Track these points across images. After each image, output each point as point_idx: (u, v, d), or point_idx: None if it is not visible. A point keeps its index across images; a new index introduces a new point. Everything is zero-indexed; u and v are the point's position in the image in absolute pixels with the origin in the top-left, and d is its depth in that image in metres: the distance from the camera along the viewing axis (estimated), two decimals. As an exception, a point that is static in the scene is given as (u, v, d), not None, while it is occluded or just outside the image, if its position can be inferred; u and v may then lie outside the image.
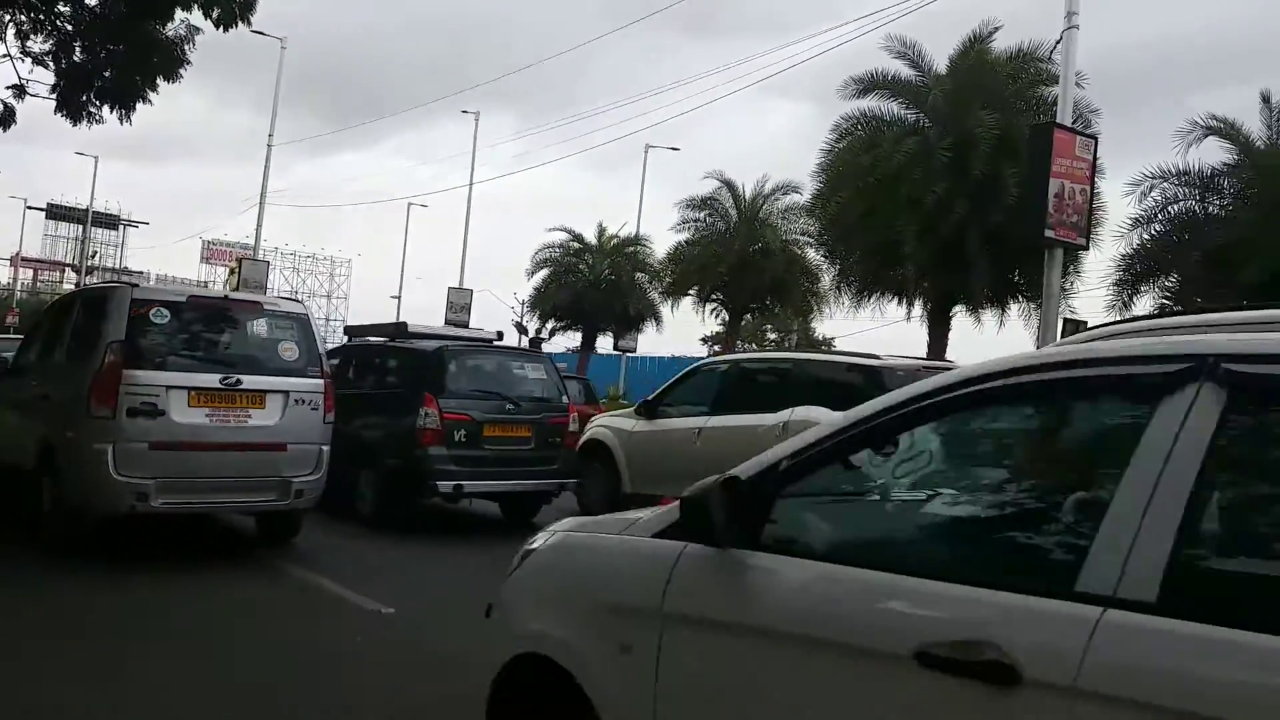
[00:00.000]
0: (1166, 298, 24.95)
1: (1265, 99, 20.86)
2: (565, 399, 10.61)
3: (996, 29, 21.16)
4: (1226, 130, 20.77)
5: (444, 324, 27.27)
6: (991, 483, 2.55)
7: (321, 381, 7.89)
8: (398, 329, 11.48)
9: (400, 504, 9.77)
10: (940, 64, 21.81)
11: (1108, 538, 1.93)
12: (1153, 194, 21.02)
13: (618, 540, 2.92)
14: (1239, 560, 1.98)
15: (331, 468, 8.08)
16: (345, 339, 13.77)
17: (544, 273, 37.08)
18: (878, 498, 2.70)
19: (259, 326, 7.97)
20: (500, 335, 12.01)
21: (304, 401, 7.71)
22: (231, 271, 41.42)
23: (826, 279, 26.60)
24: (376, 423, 9.94)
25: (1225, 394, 1.90)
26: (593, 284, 36.16)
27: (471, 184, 38.34)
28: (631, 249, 36.30)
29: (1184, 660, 1.76)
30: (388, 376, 10.63)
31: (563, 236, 37.10)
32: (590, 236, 37.47)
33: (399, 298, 54.69)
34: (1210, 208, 21.13)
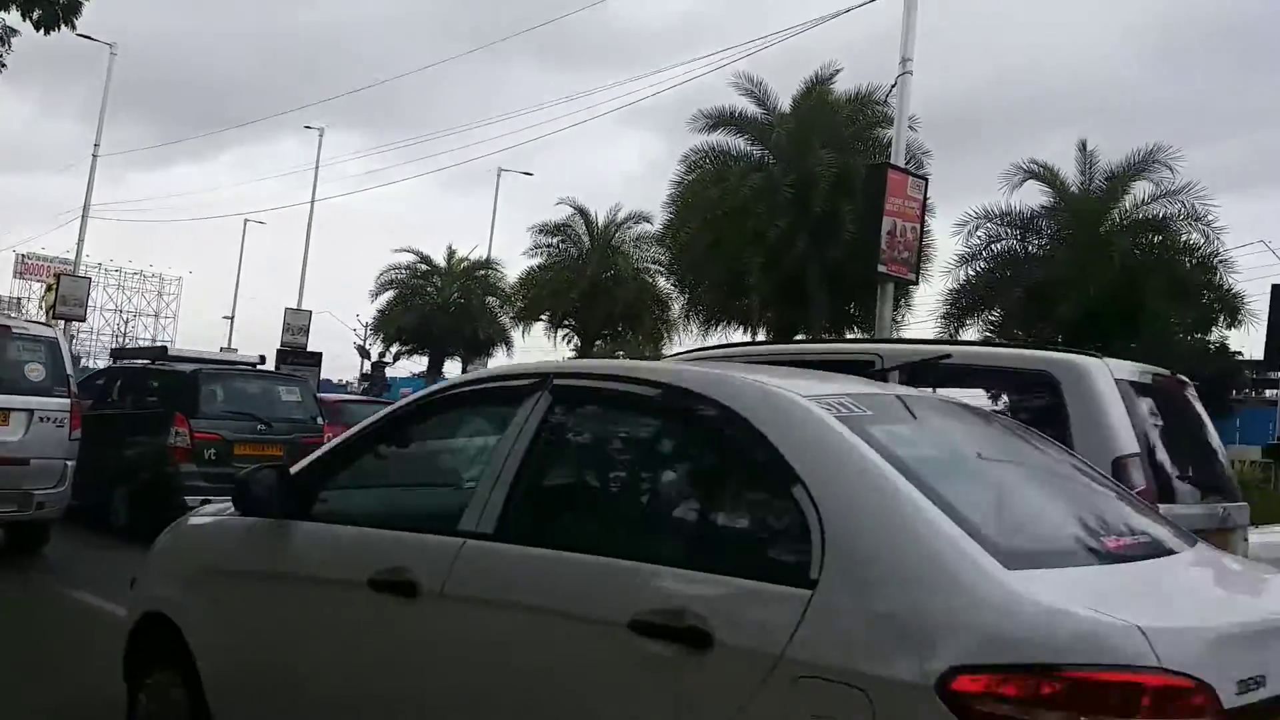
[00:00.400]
0: (990, 330, 26.58)
1: (1081, 147, 22.59)
2: (320, 421, 11.40)
3: (837, 71, 22.14)
4: (1045, 175, 22.36)
5: (280, 345, 26.39)
6: (454, 462, 3.66)
7: (67, 401, 8.28)
8: (158, 352, 12.40)
9: (152, 517, 9.91)
10: (785, 103, 22.65)
11: (477, 493, 2.86)
12: (978, 233, 22.42)
13: (214, 519, 3.73)
14: (549, 504, 2.94)
15: (89, 482, 8.67)
16: (112, 361, 14.71)
17: (389, 295, 36.32)
18: (389, 477, 3.69)
19: (8, 349, 8.28)
20: (262, 359, 13.01)
21: (49, 419, 8.10)
22: (49, 288, 38.64)
23: (676, 307, 27.11)
24: (133, 440, 10.48)
25: (551, 398, 2.90)
26: (441, 307, 35.64)
27: (313, 201, 37.05)
28: (482, 272, 35.99)
29: (509, 569, 2.67)
30: (147, 397, 11.15)
31: (410, 258, 36.47)
32: (439, 259, 36.96)
33: (232, 318, 52.35)
34: (1030, 247, 22.66)
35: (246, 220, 49.08)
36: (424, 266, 36.65)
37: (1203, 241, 21.12)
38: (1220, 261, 21.41)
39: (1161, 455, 4.39)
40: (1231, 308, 22.30)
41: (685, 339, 27.42)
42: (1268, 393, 38.79)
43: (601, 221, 30.90)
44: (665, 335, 30.54)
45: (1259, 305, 20.88)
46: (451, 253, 37.14)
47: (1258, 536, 5.65)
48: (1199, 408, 5.00)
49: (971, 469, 2.76)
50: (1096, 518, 2.66)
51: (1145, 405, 4.38)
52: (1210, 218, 20.71)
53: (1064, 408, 4.14)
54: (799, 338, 23.28)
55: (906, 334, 22.65)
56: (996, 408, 4.08)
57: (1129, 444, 4.00)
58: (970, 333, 25.35)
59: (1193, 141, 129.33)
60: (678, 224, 23.63)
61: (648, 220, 28.91)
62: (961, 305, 22.91)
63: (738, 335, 24.56)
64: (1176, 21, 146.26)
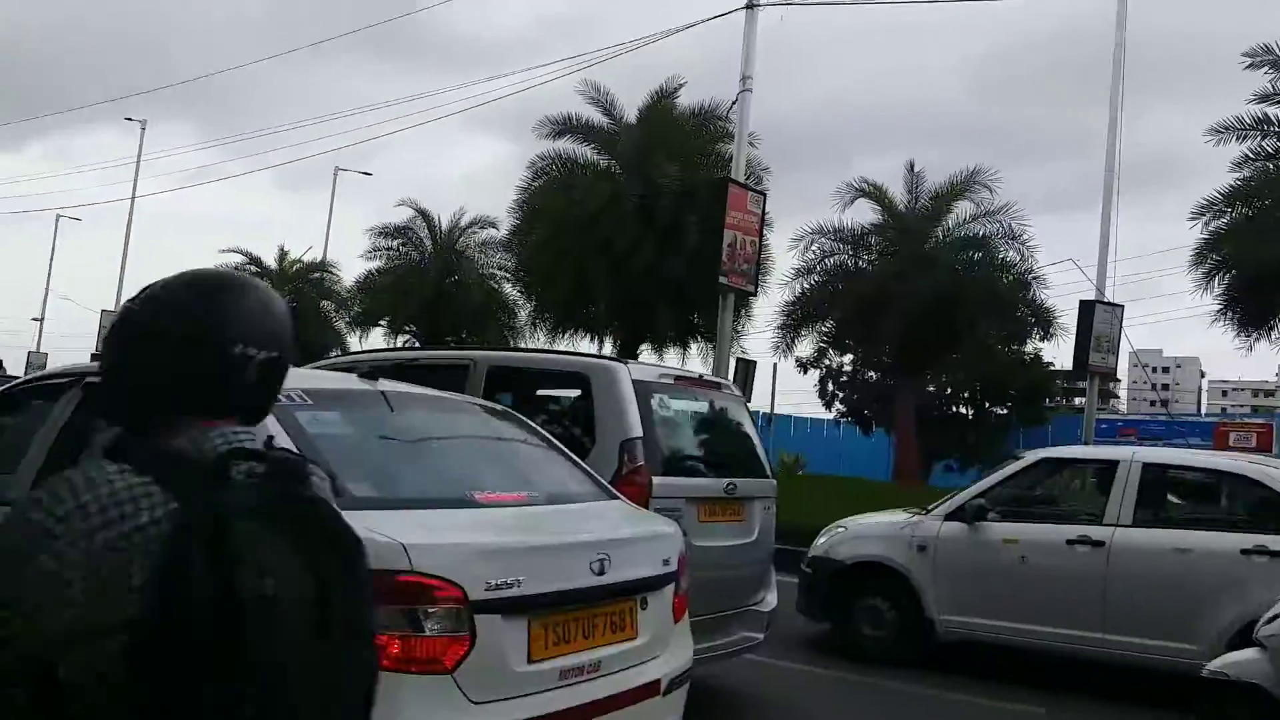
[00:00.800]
0: (825, 340, 27.60)
1: (909, 167, 23.78)
2: None
3: (681, 85, 22.52)
4: (874, 193, 23.42)
5: (94, 350, 24.87)
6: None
7: None
8: None
9: None
10: (631, 114, 22.88)
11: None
12: (813, 248, 23.28)
13: None
14: None
15: None
16: None
17: (216, 298, 34.53)
18: None
19: None
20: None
21: None
22: None
23: (523, 314, 26.86)
24: None
25: (80, 394, 3.48)
26: (273, 312, 34.19)
27: (134, 197, 34.95)
28: (317, 275, 34.76)
29: None
30: None
31: (238, 259, 34.85)
32: (270, 260, 35.51)
33: (41, 320, 48.71)
34: (861, 262, 23.68)
35: (59, 216, 45.77)
36: (252, 268, 35.12)
37: (1019, 259, 22.57)
38: (1034, 278, 22.95)
39: (671, 439, 5.60)
40: (1045, 322, 23.94)
41: (531, 346, 27.26)
42: (1076, 401, 41.67)
43: (445, 225, 30.34)
44: (511, 342, 30.27)
45: (1070, 319, 22.48)
46: (283, 254, 35.76)
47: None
48: (733, 403, 6.27)
49: (383, 446, 3.48)
50: (489, 478, 3.54)
51: (659, 400, 5.45)
52: (1025, 237, 22.19)
53: (592, 401, 5.24)
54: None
55: (746, 343, 23.30)
56: (476, 400, 4.82)
57: (635, 429, 5.07)
58: (805, 343, 26.29)
59: (1021, 164, 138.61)
60: (524, 230, 23.50)
61: (493, 225, 28.59)
62: (797, 316, 23.72)
63: (585, 344, 24.64)
64: (1011, 50, 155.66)
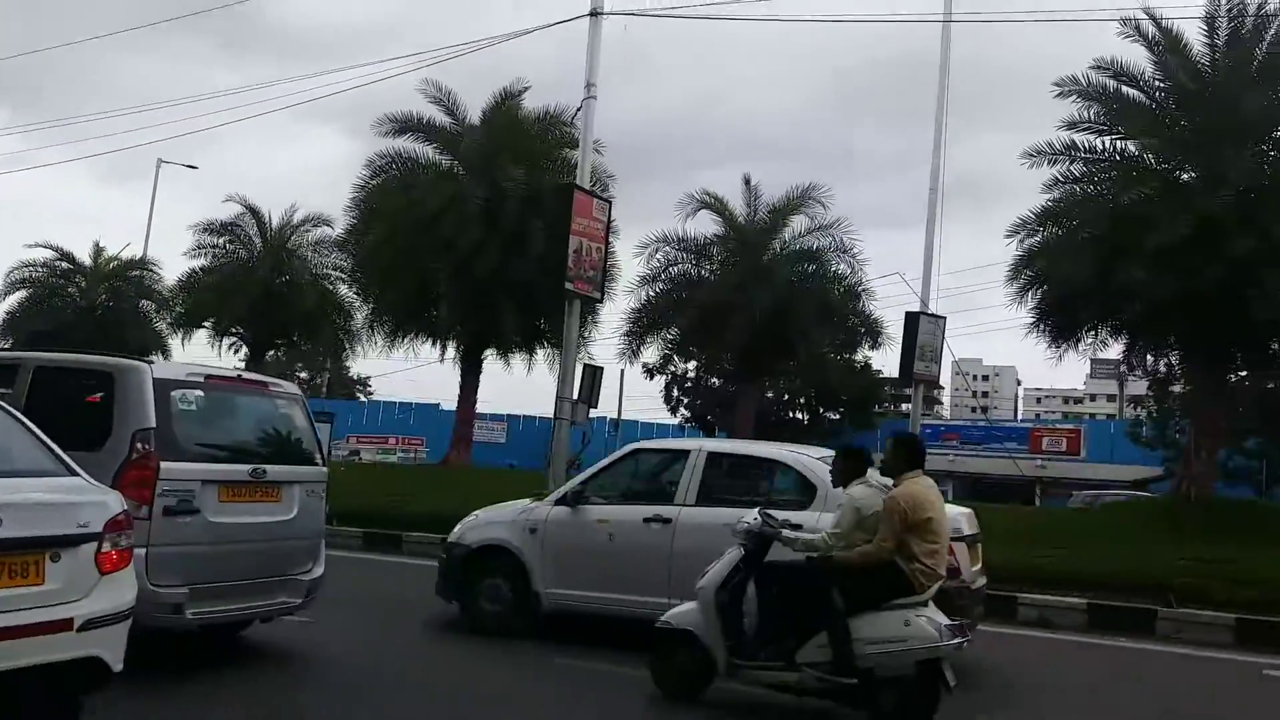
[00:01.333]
0: (670, 347, 27.92)
1: (746, 181, 24.36)
2: None
3: (526, 89, 22.33)
4: (716, 205, 23.88)
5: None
6: None
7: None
8: None
9: None
10: (475, 115, 22.55)
11: None
12: (657, 256, 23.53)
13: None
14: None
15: None
16: None
17: (21, 295, 32.03)
18: None
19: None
20: None
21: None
22: None
23: (360, 316, 25.98)
24: None
25: None
26: (85, 310, 32.00)
27: (-72, 184, 31.99)
28: (136, 273, 32.68)
29: None
30: None
31: (48, 254, 32.41)
32: (84, 256, 33.19)
33: None
34: (704, 271, 24.11)
35: None
36: (65, 264, 32.74)
37: (849, 272, 23.45)
38: (864, 290, 23.91)
39: (193, 430, 6.32)
40: (874, 332, 24.97)
41: (370, 350, 26.45)
42: (904, 406, 43.79)
43: (276, 223, 29.05)
44: (347, 346, 29.29)
45: (898, 330, 23.51)
46: (99, 250, 33.48)
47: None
48: (284, 399, 7.10)
49: None
50: None
51: (182, 395, 6.29)
52: (855, 250, 23.07)
53: (114, 396, 6.02)
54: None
55: (594, 349, 23.35)
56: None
57: (147, 421, 5.92)
58: (651, 350, 26.57)
59: (857, 179, 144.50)
60: (362, 229, 22.76)
61: (328, 224, 27.54)
62: (643, 323, 23.91)
63: (426, 347, 24.11)
64: (851, 68, 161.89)
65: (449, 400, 25.29)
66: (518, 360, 23.83)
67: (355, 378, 62.69)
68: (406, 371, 76.05)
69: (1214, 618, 10.19)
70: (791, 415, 40.87)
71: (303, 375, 53.41)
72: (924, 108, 23.98)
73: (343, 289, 27.64)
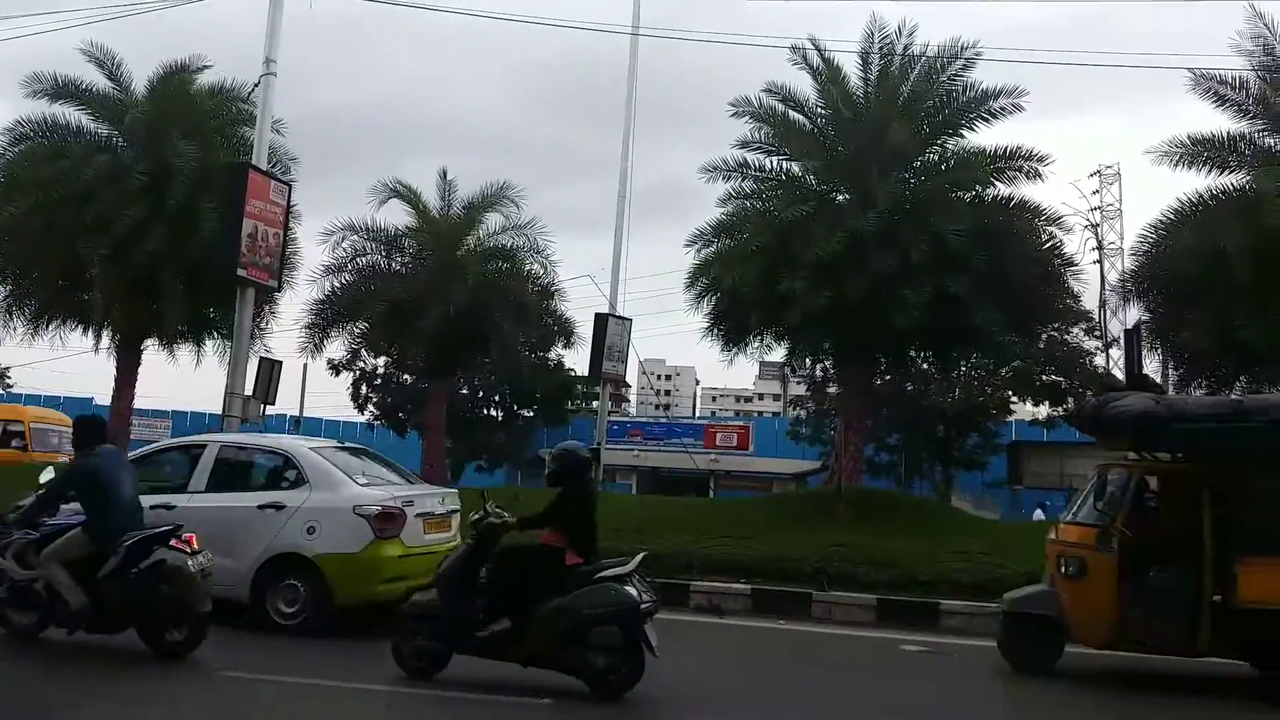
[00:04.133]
0: (358, 342, 26.91)
1: (442, 174, 23.96)
2: None
3: (206, 67, 20.58)
4: (408, 195, 23.29)
5: None
6: None
7: None
8: None
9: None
10: (141, 84, 20.52)
11: None
12: (344, 245, 22.56)
13: None
14: None
15: None
16: None
17: None
18: None
19: None
20: None
21: None
22: None
23: (-5, 299, 22.79)
24: None
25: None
26: None
27: None
28: None
29: None
30: None
31: None
32: None
33: None
34: (395, 263, 23.42)
35: None
36: None
37: (542, 272, 23.74)
38: (556, 290, 24.29)
39: None
40: (567, 331, 25.44)
41: (8, 338, 23.29)
42: (594, 404, 45.02)
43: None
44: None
45: (589, 330, 24.07)
46: None
47: None
48: None
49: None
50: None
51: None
52: (549, 251, 23.35)
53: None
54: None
55: (271, 342, 21.99)
56: None
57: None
58: (337, 345, 25.47)
59: (558, 181, 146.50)
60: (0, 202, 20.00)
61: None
62: (327, 316, 22.84)
63: (76, 336, 21.66)
64: (556, 67, 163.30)
65: (103, 394, 22.84)
66: (185, 352, 21.98)
67: (-7, 368, 55.16)
68: (53, 362, 68.10)
69: (860, 599, 11.29)
70: (485, 412, 40.77)
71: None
72: (619, 115, 24.69)
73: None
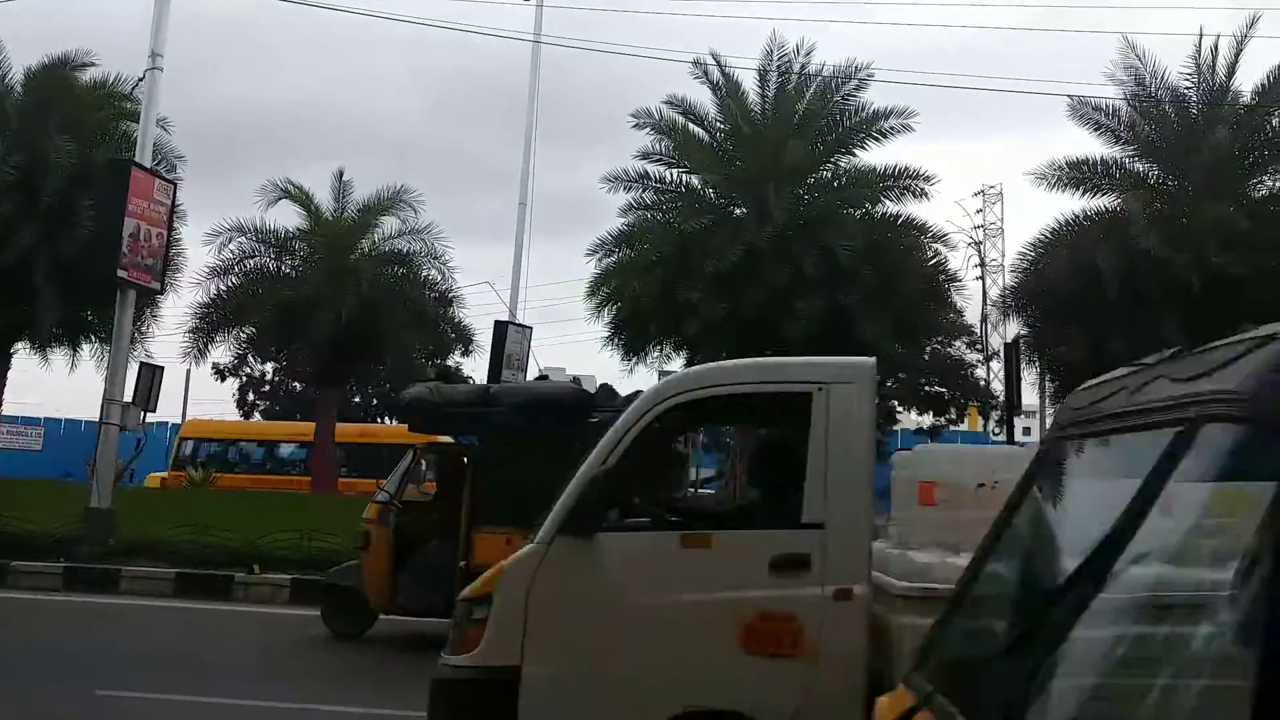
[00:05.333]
0: (244, 346, 26.10)
1: (338, 176, 23.49)
2: None
3: (90, 63, 19.63)
4: (300, 197, 22.75)
5: None
6: None
7: None
8: None
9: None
10: (18, 77, 19.52)
11: None
12: (231, 246, 21.88)
13: None
14: None
15: None
16: None
17: None
18: None
19: None
20: None
21: None
22: None
23: None
24: None
25: None
26: None
27: None
28: None
29: None
30: None
31: None
32: None
33: None
34: (285, 266, 22.82)
35: None
36: None
37: (440, 278, 23.47)
38: (454, 297, 24.02)
39: None
40: (465, 339, 25.18)
41: None
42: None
43: None
44: None
45: (490, 338, 23.84)
46: None
47: None
48: None
49: None
50: None
51: None
52: (446, 258, 23.10)
53: None
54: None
55: (153, 346, 21.14)
56: None
57: None
58: (223, 349, 24.64)
59: (461, 188, 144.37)
60: None
61: None
62: (213, 319, 22.10)
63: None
64: (463, 72, 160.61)
65: (-33, 401, 21.59)
66: (59, 356, 20.96)
67: None
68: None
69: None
70: (379, 421, 40.06)
71: None
72: (543, 121, 24.62)
73: None
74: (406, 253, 22.92)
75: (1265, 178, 17.68)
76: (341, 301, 20.83)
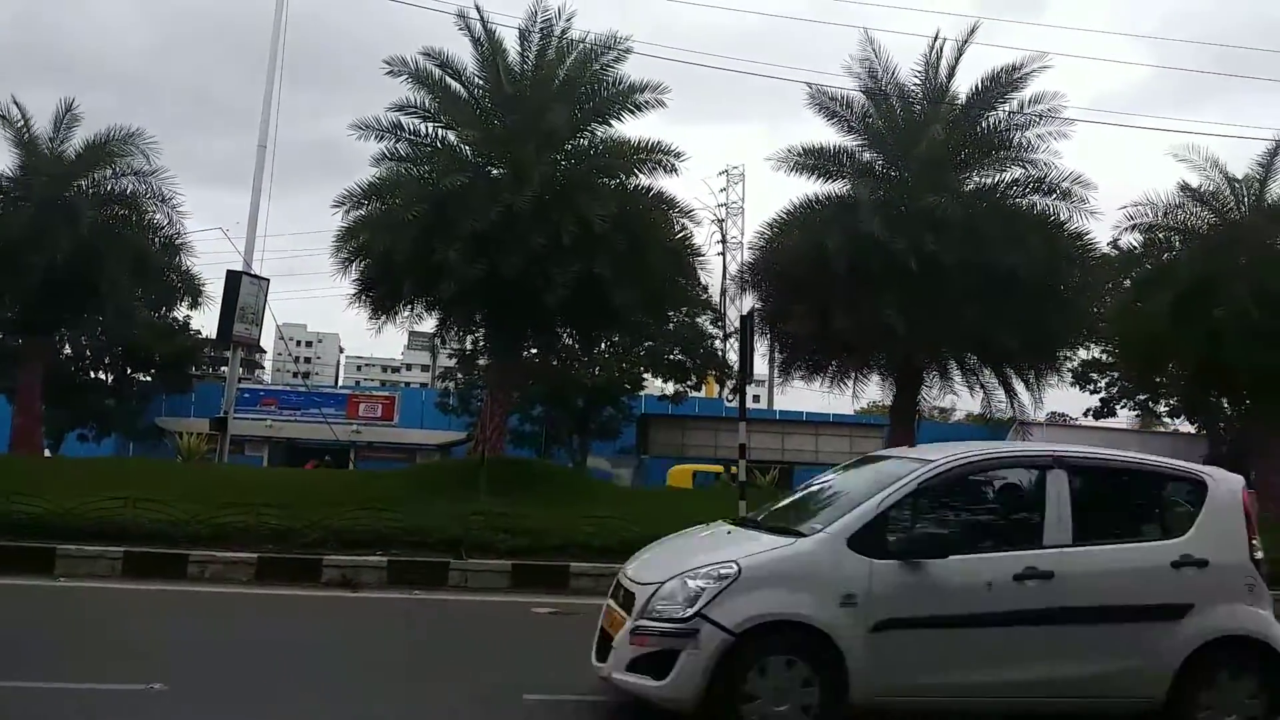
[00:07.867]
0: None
1: (69, 107, 21.24)
2: None
3: None
4: (14, 123, 20.49)
5: None
6: None
7: None
8: None
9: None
10: None
11: None
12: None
13: None
14: None
15: None
16: None
17: None
18: None
19: None
20: None
21: None
22: None
23: None
24: None
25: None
26: None
27: None
28: None
29: None
30: None
31: None
32: None
33: None
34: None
35: None
36: None
37: (166, 223, 21.77)
38: (183, 244, 22.36)
39: None
40: (194, 289, 23.51)
41: None
42: (223, 370, 41.95)
43: None
44: None
45: (220, 289, 22.35)
46: None
47: None
48: None
49: None
50: None
51: None
52: (176, 201, 21.44)
53: None
54: None
55: None
56: None
57: None
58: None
59: (198, 130, 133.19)
60: None
61: None
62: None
63: None
64: (205, 8, 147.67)
65: None
66: None
67: None
68: None
69: (495, 565, 11.57)
70: (94, 376, 36.62)
71: None
72: (290, 64, 23.18)
73: None
74: (131, 193, 21.10)
75: (974, 174, 19.67)
76: (54, 243, 18.90)
